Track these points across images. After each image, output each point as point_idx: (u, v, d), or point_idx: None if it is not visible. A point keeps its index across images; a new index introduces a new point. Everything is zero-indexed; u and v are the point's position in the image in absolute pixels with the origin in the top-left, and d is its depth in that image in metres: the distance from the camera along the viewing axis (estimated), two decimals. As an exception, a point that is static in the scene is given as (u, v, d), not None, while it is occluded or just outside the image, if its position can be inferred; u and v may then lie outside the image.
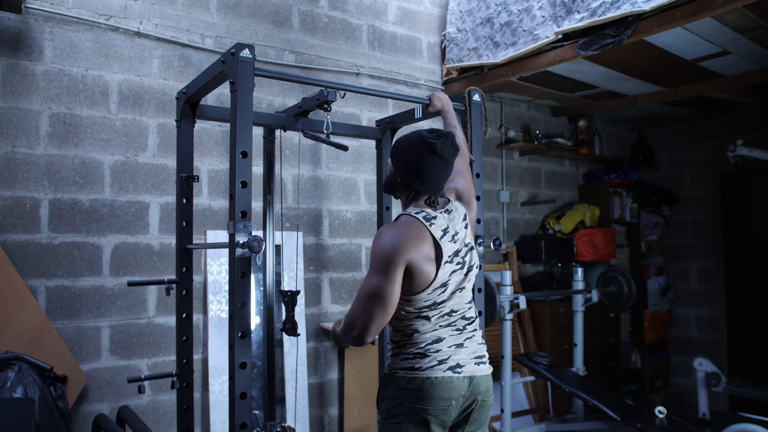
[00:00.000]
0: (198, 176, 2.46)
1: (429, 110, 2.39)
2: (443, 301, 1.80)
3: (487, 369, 1.86)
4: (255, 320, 3.25)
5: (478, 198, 2.37)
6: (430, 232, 1.76)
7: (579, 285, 4.09)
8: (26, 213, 2.79)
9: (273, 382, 2.67)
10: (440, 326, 1.80)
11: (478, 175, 2.37)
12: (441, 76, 4.27)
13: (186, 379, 2.44)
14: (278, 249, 3.37)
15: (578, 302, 4.06)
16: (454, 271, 1.81)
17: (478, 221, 2.36)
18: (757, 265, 4.98)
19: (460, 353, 1.80)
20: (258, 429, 2.59)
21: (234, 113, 1.83)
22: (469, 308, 1.89)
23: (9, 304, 2.67)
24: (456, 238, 1.83)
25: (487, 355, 1.91)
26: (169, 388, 2.68)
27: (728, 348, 5.16)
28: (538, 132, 4.77)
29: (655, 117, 5.43)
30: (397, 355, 1.83)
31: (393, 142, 1.99)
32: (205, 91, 2.27)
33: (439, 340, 1.79)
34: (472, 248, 1.89)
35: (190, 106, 2.43)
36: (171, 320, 3.10)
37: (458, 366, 1.77)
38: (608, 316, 4.82)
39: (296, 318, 2.60)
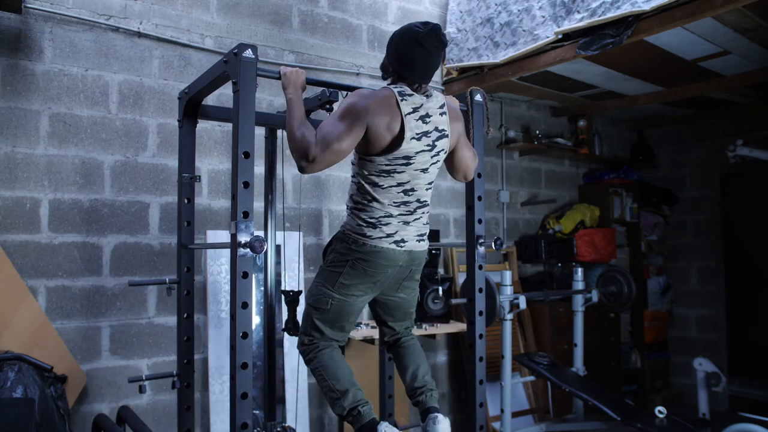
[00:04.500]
0: (199, 176, 2.46)
1: None
2: (403, 173, 1.95)
3: (425, 245, 2.10)
4: (255, 320, 3.25)
5: (479, 198, 2.37)
6: (398, 105, 1.89)
7: (579, 285, 4.09)
8: (26, 213, 2.79)
9: (273, 382, 2.67)
10: (394, 203, 1.97)
11: (479, 175, 2.37)
12: (441, 76, 4.27)
13: (187, 379, 2.44)
14: (279, 249, 3.37)
15: (578, 302, 4.06)
16: (422, 151, 1.95)
17: (480, 221, 2.36)
18: (757, 265, 4.98)
19: (406, 230, 2.01)
20: (258, 429, 2.58)
21: (236, 113, 1.83)
22: (427, 189, 2.05)
23: (9, 304, 2.66)
24: (427, 120, 1.95)
25: (427, 233, 2.11)
26: (170, 388, 2.68)
27: (728, 348, 5.17)
28: (538, 132, 4.77)
29: (655, 117, 5.43)
30: (353, 217, 2.01)
31: None
32: (207, 91, 2.27)
33: (389, 215, 1.97)
34: (446, 136, 2.02)
35: (192, 106, 2.43)
36: (171, 320, 3.09)
37: (402, 240, 2.00)
38: (608, 316, 4.82)
39: (298, 318, 2.60)
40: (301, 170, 1.88)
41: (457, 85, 4.15)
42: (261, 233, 2.51)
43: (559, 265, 4.77)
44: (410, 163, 1.94)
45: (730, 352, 5.15)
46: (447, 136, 2.02)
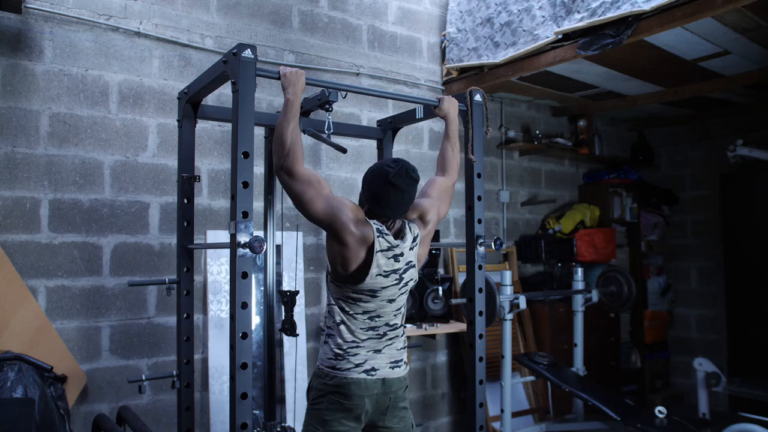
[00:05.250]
0: (199, 176, 2.46)
1: (435, 112, 2.39)
2: (369, 303, 1.98)
3: (401, 372, 2.07)
4: (255, 320, 3.25)
5: (479, 198, 2.37)
6: (374, 240, 1.92)
7: (579, 285, 4.09)
8: (26, 213, 2.79)
9: (273, 382, 2.67)
10: (361, 329, 2.00)
11: (479, 175, 2.38)
12: (441, 76, 4.27)
13: (187, 379, 2.44)
14: (278, 249, 3.37)
15: (578, 302, 4.06)
16: (389, 286, 1.99)
17: (479, 221, 2.36)
18: (757, 265, 4.98)
19: (376, 358, 2.01)
20: (258, 429, 2.58)
21: (236, 113, 1.83)
22: (395, 315, 2.06)
23: (9, 304, 2.66)
24: (399, 258, 1.99)
25: (405, 359, 2.10)
26: (170, 388, 2.68)
27: (728, 348, 5.17)
28: (538, 132, 4.77)
29: (655, 117, 5.43)
30: (325, 346, 2.04)
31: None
32: (207, 91, 2.27)
33: (358, 345, 1.99)
34: (413, 266, 2.05)
35: (191, 106, 2.43)
36: (171, 320, 3.09)
37: (373, 369, 1.99)
38: (608, 316, 4.82)
39: (296, 318, 2.61)
40: (276, 170, 1.92)
41: (457, 85, 4.15)
42: (260, 233, 2.51)
43: (559, 265, 4.77)
44: (376, 296, 1.98)
45: (730, 352, 5.15)
46: (414, 266, 2.05)
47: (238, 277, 1.79)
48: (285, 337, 3.35)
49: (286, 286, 3.38)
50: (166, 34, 3.18)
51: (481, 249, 2.36)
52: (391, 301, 2.02)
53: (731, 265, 5.20)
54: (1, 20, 2.75)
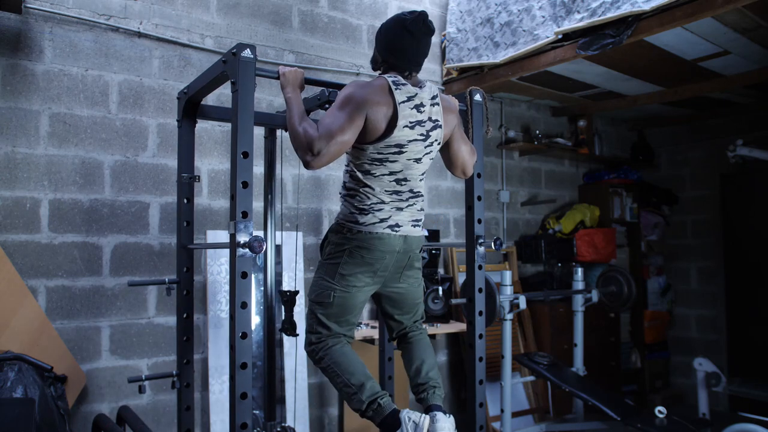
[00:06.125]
0: (199, 176, 2.46)
1: None
2: (395, 162, 1.95)
3: (420, 232, 2.09)
4: (255, 320, 3.25)
5: (479, 198, 2.37)
6: (392, 93, 1.90)
7: (579, 285, 4.08)
8: (26, 213, 2.79)
9: (273, 382, 2.67)
10: (386, 191, 1.97)
11: (479, 175, 2.37)
12: (441, 76, 4.27)
13: (187, 379, 2.44)
14: (278, 249, 3.37)
15: (578, 302, 4.05)
16: (415, 140, 1.95)
17: (479, 221, 2.36)
18: (757, 265, 4.97)
19: (399, 215, 2.00)
20: (258, 429, 2.58)
21: (235, 113, 1.83)
22: (420, 180, 2.06)
23: (9, 304, 2.66)
24: (421, 109, 1.95)
25: (423, 220, 2.12)
26: (170, 388, 2.68)
27: (728, 348, 5.16)
28: (538, 132, 4.77)
29: (655, 117, 5.42)
30: (346, 205, 2.02)
31: None
32: (207, 91, 2.27)
33: (382, 202, 1.97)
34: (439, 126, 2.02)
35: (191, 106, 2.43)
36: (171, 320, 3.09)
37: (397, 225, 1.99)
38: (608, 316, 4.82)
39: (296, 318, 2.60)
40: (307, 165, 1.87)
41: (457, 85, 4.15)
42: (260, 233, 2.51)
43: (559, 265, 4.76)
44: (402, 152, 1.95)
45: (730, 352, 5.14)
46: (440, 126, 2.02)
47: (237, 277, 1.79)
48: (285, 337, 3.35)
49: (286, 286, 3.38)
50: (166, 34, 3.18)
51: (481, 249, 2.35)
52: (417, 160, 1.99)
53: (731, 265, 5.20)
54: (1, 20, 2.75)
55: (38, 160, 2.83)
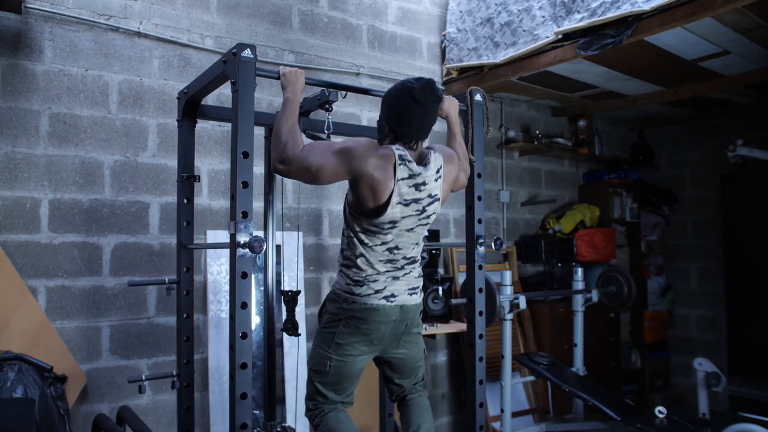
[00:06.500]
0: (199, 176, 2.46)
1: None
2: (387, 234, 1.96)
3: (417, 299, 2.09)
4: (255, 320, 3.25)
5: (479, 198, 2.37)
6: (395, 168, 1.87)
7: (579, 285, 4.08)
8: (26, 213, 2.79)
9: (273, 382, 2.67)
10: (380, 261, 1.98)
11: (479, 175, 2.38)
12: (441, 76, 4.27)
13: (187, 379, 2.44)
14: (278, 249, 3.37)
15: (578, 302, 4.05)
16: (409, 216, 1.95)
17: (479, 221, 2.36)
18: (757, 265, 4.97)
19: (395, 285, 2.01)
20: (258, 429, 2.58)
21: (235, 113, 1.83)
22: (413, 248, 2.06)
23: (9, 304, 2.66)
24: (422, 188, 1.94)
25: (420, 287, 2.11)
26: (170, 388, 2.68)
27: (728, 348, 5.16)
28: (538, 132, 4.77)
29: (655, 117, 5.42)
30: (342, 276, 2.03)
31: None
32: (207, 91, 2.27)
33: (377, 273, 1.98)
34: (437, 200, 2.01)
35: (191, 106, 2.43)
36: (171, 320, 3.09)
37: (392, 296, 2.00)
38: (608, 316, 4.82)
39: (296, 318, 2.60)
40: (275, 170, 1.90)
41: (457, 85, 4.15)
42: (260, 233, 2.51)
43: (559, 265, 4.76)
44: (396, 226, 1.96)
45: (730, 352, 5.15)
46: (438, 200, 2.02)
47: (237, 277, 1.79)
48: (285, 337, 3.35)
49: (287, 286, 3.38)
50: (166, 34, 3.18)
51: (481, 249, 2.36)
52: (410, 230, 1.99)
53: (731, 265, 5.20)
54: (1, 20, 2.75)
55: (38, 160, 2.83)
